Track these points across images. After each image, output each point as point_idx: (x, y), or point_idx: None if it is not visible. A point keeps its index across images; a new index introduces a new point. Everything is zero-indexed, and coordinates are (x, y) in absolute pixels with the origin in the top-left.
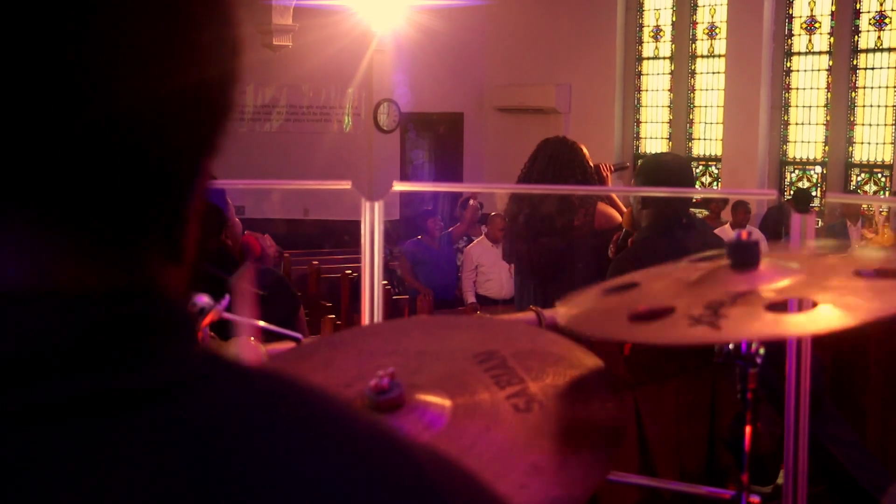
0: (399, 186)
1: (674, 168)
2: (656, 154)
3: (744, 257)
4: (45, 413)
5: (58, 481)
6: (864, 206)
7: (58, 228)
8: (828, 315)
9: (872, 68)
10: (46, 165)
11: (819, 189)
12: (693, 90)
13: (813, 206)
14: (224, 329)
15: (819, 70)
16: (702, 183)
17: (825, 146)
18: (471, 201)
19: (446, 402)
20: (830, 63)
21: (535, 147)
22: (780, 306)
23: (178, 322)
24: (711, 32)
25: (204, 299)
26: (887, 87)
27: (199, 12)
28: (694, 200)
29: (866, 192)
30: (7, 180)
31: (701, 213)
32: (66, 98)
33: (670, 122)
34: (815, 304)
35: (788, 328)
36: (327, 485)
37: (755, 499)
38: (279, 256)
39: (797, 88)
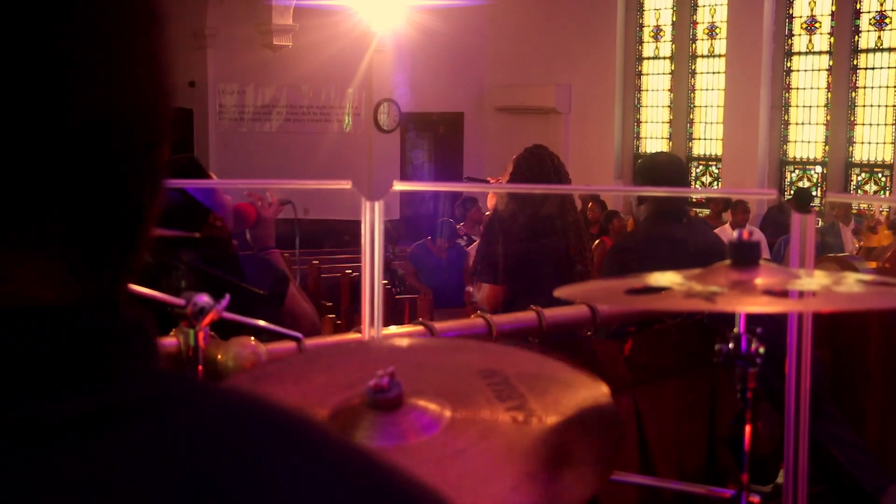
0: (399, 186)
1: (668, 165)
2: (652, 154)
3: (745, 256)
4: (23, 432)
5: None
6: (865, 205)
7: (29, 242)
8: (822, 298)
9: (872, 68)
10: (17, 178)
11: (819, 189)
12: (693, 90)
13: (813, 206)
14: (224, 329)
15: (819, 70)
16: (702, 183)
17: (825, 146)
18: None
19: (446, 412)
20: (830, 63)
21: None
22: (777, 293)
23: (142, 336)
24: (712, 32)
25: (204, 299)
26: (887, 87)
27: (138, 19)
28: (694, 200)
29: (866, 191)
30: None
31: (702, 212)
32: (38, 108)
33: (670, 121)
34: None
35: (783, 305)
36: (299, 500)
37: (755, 498)
38: (281, 207)
39: (797, 88)
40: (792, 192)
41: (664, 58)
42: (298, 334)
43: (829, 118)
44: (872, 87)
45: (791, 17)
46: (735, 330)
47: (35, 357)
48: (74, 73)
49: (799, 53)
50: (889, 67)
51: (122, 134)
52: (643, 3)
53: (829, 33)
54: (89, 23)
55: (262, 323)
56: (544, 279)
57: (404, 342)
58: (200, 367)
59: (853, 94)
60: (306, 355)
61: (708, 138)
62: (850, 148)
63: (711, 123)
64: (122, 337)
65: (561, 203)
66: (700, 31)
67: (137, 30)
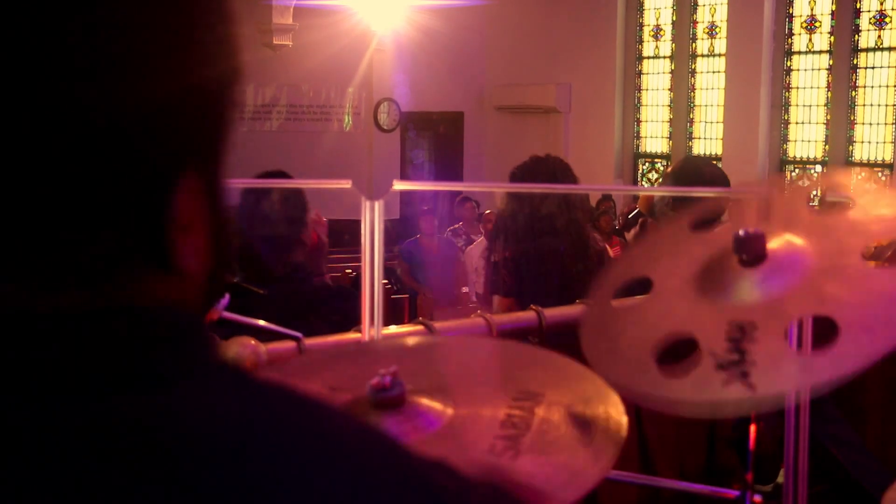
0: (399, 185)
1: (711, 179)
2: (698, 160)
3: (750, 253)
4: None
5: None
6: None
7: (33, 247)
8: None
9: (873, 67)
10: (22, 175)
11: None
12: (693, 89)
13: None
14: (224, 328)
15: (819, 69)
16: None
17: (825, 145)
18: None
19: (446, 410)
20: (831, 62)
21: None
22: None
23: (169, 334)
24: (712, 31)
25: None
26: (887, 86)
27: (196, 11)
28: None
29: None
30: None
31: None
32: (49, 105)
33: (670, 121)
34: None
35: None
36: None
37: (757, 498)
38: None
39: (797, 87)
40: None
41: (664, 57)
42: (298, 334)
43: (829, 117)
44: (872, 87)
45: (791, 17)
46: None
47: (48, 361)
48: (94, 69)
49: (799, 53)
50: (889, 66)
51: (148, 134)
52: (643, 3)
53: (829, 32)
54: (121, 13)
55: (262, 323)
56: (543, 279)
57: (480, 343)
58: None
59: (853, 93)
60: (346, 348)
61: (708, 137)
62: (851, 147)
63: (711, 122)
64: (136, 338)
65: (561, 202)
66: (700, 30)
67: (175, 20)
